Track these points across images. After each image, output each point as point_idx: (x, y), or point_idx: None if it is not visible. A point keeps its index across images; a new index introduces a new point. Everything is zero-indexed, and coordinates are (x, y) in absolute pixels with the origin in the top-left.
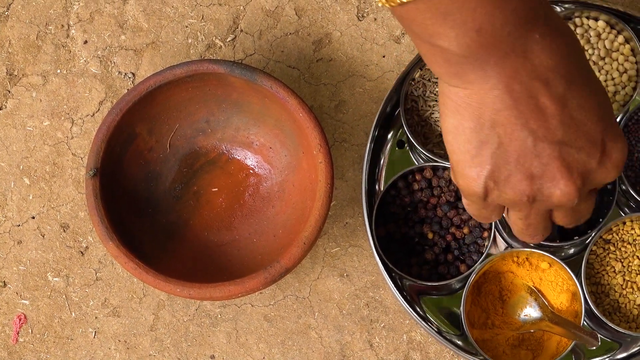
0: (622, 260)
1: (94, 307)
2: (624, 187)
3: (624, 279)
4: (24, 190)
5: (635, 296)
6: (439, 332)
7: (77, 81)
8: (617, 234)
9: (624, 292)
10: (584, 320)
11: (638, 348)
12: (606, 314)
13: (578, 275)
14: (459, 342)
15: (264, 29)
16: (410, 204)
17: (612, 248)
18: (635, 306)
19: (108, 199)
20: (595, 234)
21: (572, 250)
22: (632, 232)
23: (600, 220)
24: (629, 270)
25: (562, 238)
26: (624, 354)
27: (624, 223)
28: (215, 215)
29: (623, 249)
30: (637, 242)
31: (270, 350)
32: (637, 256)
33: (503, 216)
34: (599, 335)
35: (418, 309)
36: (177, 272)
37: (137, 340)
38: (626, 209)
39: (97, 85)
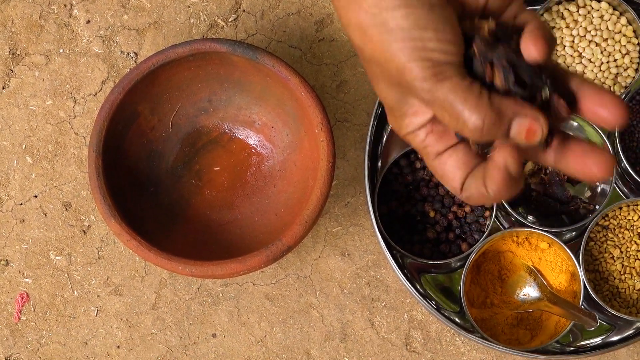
0: (620, 246)
1: (96, 285)
2: (623, 166)
3: (623, 265)
4: (27, 169)
5: (635, 281)
6: (439, 310)
7: (79, 60)
8: (615, 220)
9: (623, 278)
10: (582, 302)
11: (633, 331)
12: (606, 300)
13: (577, 256)
14: (459, 320)
15: (266, 9)
16: (412, 182)
17: (609, 234)
18: (634, 291)
19: (110, 177)
20: (592, 220)
21: (570, 235)
22: (629, 217)
23: (597, 207)
24: (627, 255)
25: (554, 220)
26: (618, 337)
27: (620, 208)
28: (217, 194)
29: (620, 234)
30: (634, 227)
31: (271, 328)
32: (635, 241)
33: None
34: (597, 317)
35: (418, 287)
36: (179, 250)
37: (139, 319)
38: (625, 189)
39: (99, 64)
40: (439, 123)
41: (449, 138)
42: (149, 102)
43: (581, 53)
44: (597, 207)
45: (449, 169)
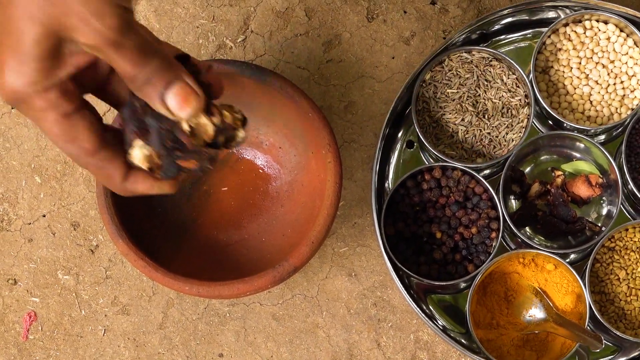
0: (626, 268)
1: (104, 305)
2: (630, 188)
3: (629, 287)
4: (35, 189)
5: None
6: (445, 331)
7: None
8: (621, 242)
9: (629, 299)
10: (588, 323)
11: (638, 352)
12: (612, 322)
13: (583, 278)
14: (465, 342)
15: (275, 30)
16: (419, 204)
17: (615, 256)
18: None
19: (118, 197)
20: (599, 242)
21: (576, 256)
22: (635, 239)
23: (603, 229)
24: (633, 277)
25: (551, 237)
26: (624, 358)
27: (627, 230)
28: (224, 215)
29: (627, 256)
30: None
31: (278, 349)
32: None
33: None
34: (603, 338)
35: (424, 308)
36: (186, 270)
37: (146, 338)
38: (632, 210)
39: None
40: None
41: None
42: None
43: (588, 75)
44: (603, 228)
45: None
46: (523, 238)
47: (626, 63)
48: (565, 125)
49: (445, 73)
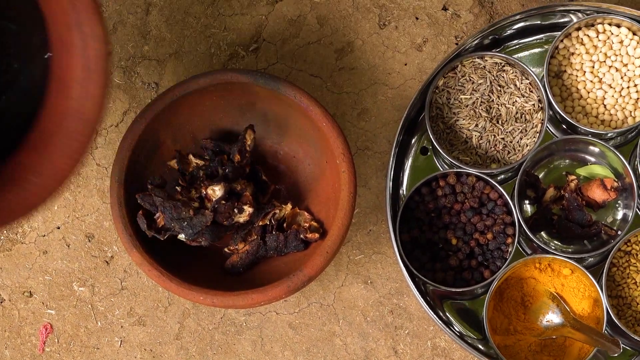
0: None
1: (120, 316)
2: None
3: None
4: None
5: None
6: (462, 337)
7: None
8: (637, 245)
9: None
10: (606, 328)
11: None
12: (629, 326)
13: (600, 282)
14: (482, 348)
15: (287, 38)
16: (434, 210)
17: (632, 260)
18: None
19: (132, 207)
20: (615, 246)
21: (592, 260)
22: None
23: (619, 233)
24: None
25: (565, 239)
26: None
27: None
28: None
29: None
30: None
31: (295, 357)
32: None
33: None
34: (621, 343)
35: (441, 314)
36: (201, 280)
37: (162, 349)
38: None
39: (120, 95)
40: None
41: None
42: (171, 132)
43: (601, 79)
44: (619, 232)
45: None
46: (539, 243)
47: (639, 66)
48: (579, 129)
49: (458, 79)
